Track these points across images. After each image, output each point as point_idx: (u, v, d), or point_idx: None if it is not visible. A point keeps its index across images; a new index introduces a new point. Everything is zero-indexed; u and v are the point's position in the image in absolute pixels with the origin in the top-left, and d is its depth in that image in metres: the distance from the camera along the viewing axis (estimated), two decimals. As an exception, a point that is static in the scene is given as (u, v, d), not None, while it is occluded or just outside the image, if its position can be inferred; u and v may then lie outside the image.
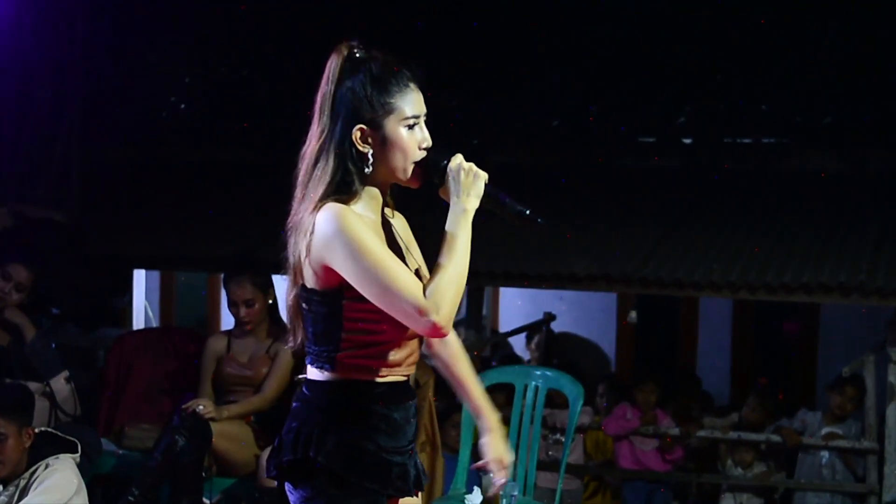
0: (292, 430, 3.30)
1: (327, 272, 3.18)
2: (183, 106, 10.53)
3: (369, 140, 3.22)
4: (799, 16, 9.34)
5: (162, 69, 10.20)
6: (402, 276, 3.12)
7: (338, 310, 3.21)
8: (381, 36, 3.43)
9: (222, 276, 6.76)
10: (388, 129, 3.22)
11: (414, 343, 3.34)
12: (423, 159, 3.26)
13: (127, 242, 8.96)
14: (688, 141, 9.84)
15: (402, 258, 3.29)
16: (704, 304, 9.94)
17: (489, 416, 3.57)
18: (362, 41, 3.30)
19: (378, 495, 3.28)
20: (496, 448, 3.54)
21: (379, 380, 3.27)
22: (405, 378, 3.35)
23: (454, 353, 3.57)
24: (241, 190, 9.40)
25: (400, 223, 3.47)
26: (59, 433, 5.65)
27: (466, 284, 3.24)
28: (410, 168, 3.26)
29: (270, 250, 3.33)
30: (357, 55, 3.27)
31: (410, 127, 3.24)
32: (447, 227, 3.22)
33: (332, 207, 3.17)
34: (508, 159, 9.74)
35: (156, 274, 10.67)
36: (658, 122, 9.94)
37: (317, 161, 3.24)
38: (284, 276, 3.35)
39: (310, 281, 3.23)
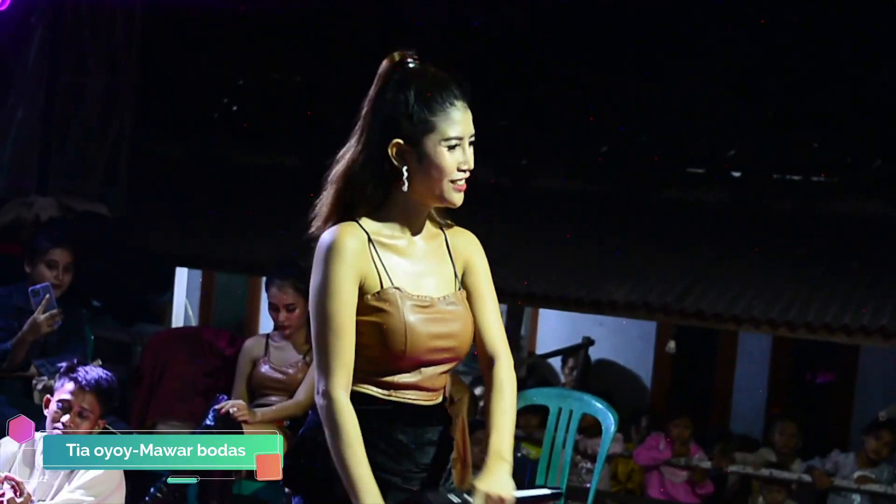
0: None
1: None
2: (235, 108, 10.57)
3: (405, 156, 3.11)
4: (856, 57, 9.29)
5: (216, 69, 10.26)
6: (344, 339, 3.08)
7: None
8: (432, 48, 3.38)
9: (264, 279, 6.77)
10: (427, 147, 3.10)
11: (432, 371, 3.21)
12: None
13: (171, 240, 8.99)
14: (736, 174, 9.80)
15: (425, 284, 3.22)
16: (744, 339, 9.88)
17: (492, 457, 3.28)
18: (418, 52, 3.19)
19: None
20: (485, 481, 3.24)
21: (384, 397, 3.17)
22: (424, 403, 3.24)
23: (498, 385, 3.31)
24: (289, 195, 9.42)
25: (433, 244, 3.29)
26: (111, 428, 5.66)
27: (504, 303, 3.20)
28: (447, 189, 3.14)
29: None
30: (408, 65, 3.16)
31: (451, 147, 3.11)
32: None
33: (333, 232, 3.13)
34: (555, 184, 9.74)
35: (197, 273, 10.71)
36: (707, 154, 9.90)
37: (350, 168, 3.17)
38: None
39: None
